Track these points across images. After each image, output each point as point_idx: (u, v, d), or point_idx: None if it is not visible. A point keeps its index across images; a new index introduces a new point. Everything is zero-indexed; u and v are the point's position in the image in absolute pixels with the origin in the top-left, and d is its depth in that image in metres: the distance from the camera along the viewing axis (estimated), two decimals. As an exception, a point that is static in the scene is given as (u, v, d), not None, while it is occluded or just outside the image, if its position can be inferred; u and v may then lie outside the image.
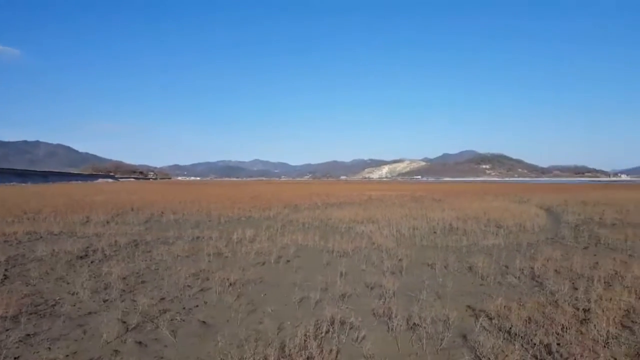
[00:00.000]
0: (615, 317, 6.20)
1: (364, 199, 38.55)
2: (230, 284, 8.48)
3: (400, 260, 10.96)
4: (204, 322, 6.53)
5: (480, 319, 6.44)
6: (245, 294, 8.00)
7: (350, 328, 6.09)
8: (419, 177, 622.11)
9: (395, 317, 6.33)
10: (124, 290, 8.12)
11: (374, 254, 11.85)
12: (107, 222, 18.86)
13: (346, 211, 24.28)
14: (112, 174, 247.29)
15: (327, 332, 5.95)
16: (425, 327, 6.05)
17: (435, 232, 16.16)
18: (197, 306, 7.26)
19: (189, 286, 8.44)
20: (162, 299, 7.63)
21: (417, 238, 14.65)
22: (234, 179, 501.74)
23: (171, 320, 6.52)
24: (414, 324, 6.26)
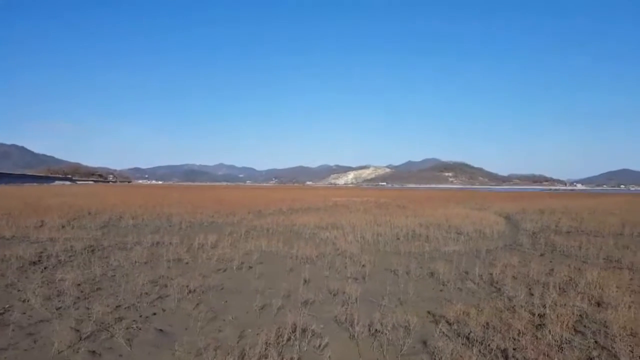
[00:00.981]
0: (568, 322, 6.41)
1: (329, 204, 38.65)
2: (190, 291, 8.27)
3: (363, 266, 11.00)
4: (161, 330, 6.33)
5: (440, 325, 6.54)
6: (205, 301, 7.81)
7: (312, 335, 6.04)
8: (384, 183, 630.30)
9: (358, 323, 6.32)
10: (78, 298, 7.78)
11: (338, 260, 11.85)
12: (63, 227, 18.08)
13: (311, 217, 24.24)
14: (69, 176, 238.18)
15: (288, 339, 5.88)
16: (386, 334, 6.07)
17: (398, 239, 16.34)
18: (154, 314, 7.03)
19: (146, 293, 8.17)
20: (118, 306, 7.35)
21: (381, 244, 14.78)
22: (198, 183, 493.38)
23: (127, 328, 6.29)
24: (376, 330, 6.27)
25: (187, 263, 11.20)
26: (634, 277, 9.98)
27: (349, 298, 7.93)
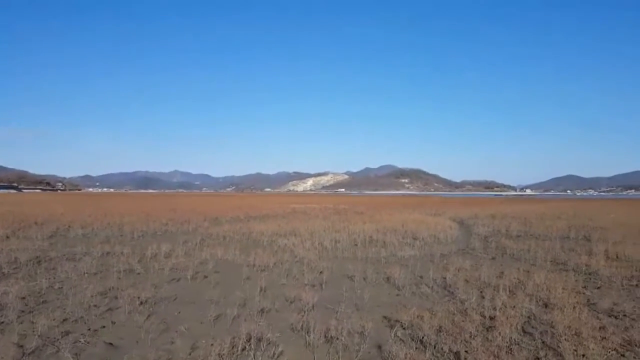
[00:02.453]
0: (517, 323, 6.64)
1: (287, 211, 38.53)
2: (142, 303, 7.99)
3: (321, 273, 11.00)
4: (110, 343, 6.08)
5: (395, 329, 6.62)
6: (157, 312, 7.56)
7: (268, 344, 5.95)
8: (343, 190, 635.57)
9: (313, 330, 6.30)
10: (22, 311, 7.38)
11: (296, 267, 11.80)
12: (7, 237, 17.08)
13: (269, 224, 24.07)
14: (14, 184, 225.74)
15: (243, 349, 5.76)
16: (342, 340, 6.07)
17: (356, 245, 16.46)
18: (103, 327, 6.74)
19: (95, 305, 7.83)
20: (65, 319, 7.01)
21: (339, 250, 14.83)
22: (152, 190, 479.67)
23: (74, 342, 6.01)
24: (332, 337, 6.26)
25: (138, 273, 10.83)
26: (579, 279, 10.49)
27: (305, 305, 7.88)
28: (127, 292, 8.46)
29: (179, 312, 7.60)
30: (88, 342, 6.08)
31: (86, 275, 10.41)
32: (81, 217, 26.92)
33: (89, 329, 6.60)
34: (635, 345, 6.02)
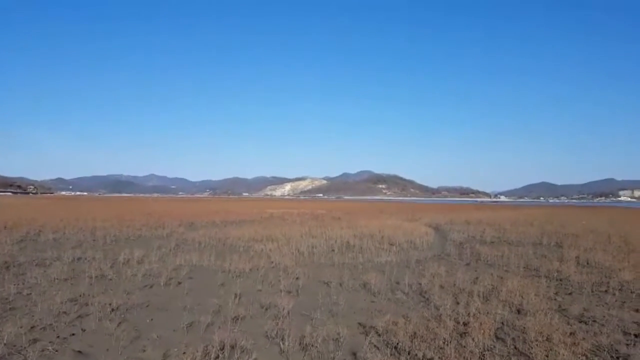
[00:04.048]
0: (490, 329, 6.71)
1: (265, 216, 38.32)
2: (113, 309, 7.80)
3: (297, 279, 10.95)
4: (80, 351, 5.92)
5: (370, 336, 6.61)
6: (129, 319, 7.39)
7: (242, 352, 5.86)
8: (321, 195, 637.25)
9: (288, 337, 6.26)
10: (-12, 319, 7.11)
11: (272, 273, 11.71)
12: (-28, 242, 16.45)
13: (246, 229, 23.87)
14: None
15: (216, 357, 5.67)
16: (317, 347, 6.04)
17: (333, 250, 16.45)
18: (73, 334, 6.56)
19: (65, 312, 7.62)
20: (33, 327, 6.80)
21: (316, 256, 14.79)
22: (126, 194, 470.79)
23: (42, 350, 5.84)
24: (306, 344, 6.21)
25: (110, 279, 10.57)
26: (551, 285, 10.71)
27: (281, 312, 7.82)
28: (98, 299, 8.27)
29: (151, 320, 7.44)
30: (56, 350, 5.91)
31: (56, 281, 10.13)
32: (52, 221, 26.18)
33: (58, 337, 6.42)
34: (604, 350, 6.17)
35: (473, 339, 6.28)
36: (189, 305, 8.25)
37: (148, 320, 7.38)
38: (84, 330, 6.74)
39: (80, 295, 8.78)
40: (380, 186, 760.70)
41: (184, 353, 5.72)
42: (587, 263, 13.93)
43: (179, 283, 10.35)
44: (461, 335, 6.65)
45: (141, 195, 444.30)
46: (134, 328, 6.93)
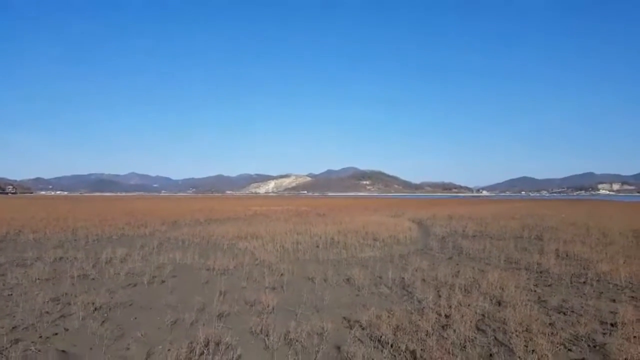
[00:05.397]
0: (472, 321, 6.85)
1: (249, 214, 38.21)
2: (96, 309, 7.73)
3: (282, 275, 10.96)
4: (63, 351, 5.88)
5: (354, 330, 6.70)
6: (112, 318, 7.33)
7: (226, 348, 5.87)
8: (305, 192, 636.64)
9: (273, 333, 6.29)
10: (-31, 320, 7.01)
11: (256, 270, 11.71)
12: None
13: (230, 227, 23.77)
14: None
15: (200, 354, 5.67)
16: (301, 341, 6.09)
17: (317, 246, 16.51)
18: (56, 334, 6.49)
19: (47, 312, 7.54)
20: (15, 327, 6.73)
21: (300, 252, 14.83)
22: (107, 193, 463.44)
23: (25, 350, 5.79)
24: (291, 339, 6.25)
25: (93, 279, 10.45)
26: (531, 277, 10.95)
27: (265, 308, 7.84)
28: (81, 298, 8.17)
29: (135, 318, 7.40)
30: (39, 350, 5.85)
31: (38, 281, 9.99)
32: (33, 221, 25.76)
33: (40, 337, 6.36)
34: (582, 340, 6.34)
35: (455, 331, 6.40)
36: (173, 303, 8.22)
37: (132, 319, 7.34)
38: (66, 330, 6.68)
39: (63, 295, 8.69)
40: (364, 182, 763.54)
41: (169, 350, 5.70)
42: (567, 255, 14.25)
43: (163, 281, 10.29)
44: (443, 327, 6.78)
45: (123, 194, 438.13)
46: (117, 327, 6.88)
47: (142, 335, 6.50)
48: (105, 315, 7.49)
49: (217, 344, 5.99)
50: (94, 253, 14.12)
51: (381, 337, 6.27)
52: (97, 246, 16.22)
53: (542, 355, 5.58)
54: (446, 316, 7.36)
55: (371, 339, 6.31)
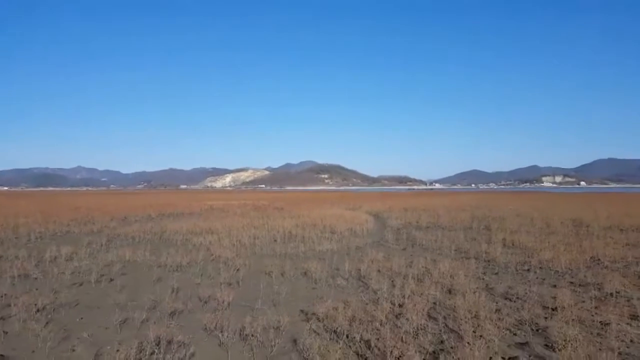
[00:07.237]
0: (424, 309, 7.05)
1: (204, 208, 37.55)
2: (39, 310, 7.40)
3: (238, 270, 10.86)
4: (2, 355, 5.62)
5: (311, 322, 6.76)
6: (56, 319, 7.04)
7: (179, 346, 5.75)
8: (263, 186, 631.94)
9: (228, 329, 6.21)
10: None
11: (211, 265, 11.55)
12: None
13: (184, 222, 23.31)
14: None
15: (151, 353, 5.53)
16: (257, 336, 6.06)
17: (275, 241, 16.47)
18: (-6, 338, 6.17)
19: (-16, 315, 7.14)
20: (-53, 332, 6.34)
21: (257, 247, 14.75)
22: (52, 188, 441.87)
23: (-42, 358, 5.44)
24: (246, 334, 6.20)
25: (35, 278, 10.01)
26: (479, 266, 11.42)
27: (220, 304, 7.74)
28: (22, 299, 7.74)
29: (81, 318, 7.13)
30: (-25, 355, 5.52)
31: (-26, 282, 9.41)
32: (-33, 219, 24.12)
33: (-24, 342, 6.00)
34: (526, 324, 6.68)
35: (407, 319, 6.58)
36: (122, 302, 7.98)
37: (78, 319, 7.08)
38: (6, 333, 6.38)
39: (2, 296, 8.27)
40: (322, 176, 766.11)
41: (117, 351, 5.52)
42: (513, 244, 14.94)
43: (111, 280, 9.96)
44: (397, 317, 6.97)
45: (69, 189, 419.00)
46: (62, 328, 6.61)
47: (88, 336, 6.28)
48: (49, 316, 7.19)
49: (169, 343, 5.87)
50: (36, 251, 13.45)
51: (337, 328, 6.35)
52: (40, 244, 15.48)
53: (489, 340, 5.84)
54: (400, 305, 7.55)
55: (327, 331, 6.38)
